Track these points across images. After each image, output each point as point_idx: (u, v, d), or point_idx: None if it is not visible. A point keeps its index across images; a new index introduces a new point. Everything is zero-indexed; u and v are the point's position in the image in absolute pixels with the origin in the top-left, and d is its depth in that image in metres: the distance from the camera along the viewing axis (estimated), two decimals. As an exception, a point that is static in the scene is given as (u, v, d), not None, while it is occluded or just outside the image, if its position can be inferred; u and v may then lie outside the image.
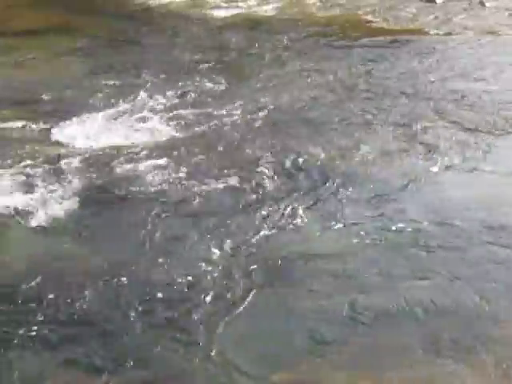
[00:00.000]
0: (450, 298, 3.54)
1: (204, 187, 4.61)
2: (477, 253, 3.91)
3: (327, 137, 5.42)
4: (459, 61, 7.13)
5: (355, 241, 4.03)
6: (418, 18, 8.74)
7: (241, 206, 4.41)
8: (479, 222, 4.19)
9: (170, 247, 3.99)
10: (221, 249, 3.93)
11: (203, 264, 3.81)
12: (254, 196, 4.55)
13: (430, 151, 5.12)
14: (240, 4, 9.47)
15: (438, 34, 8.03)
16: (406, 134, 5.43)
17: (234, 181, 4.71)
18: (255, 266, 3.81)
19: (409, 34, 8.09)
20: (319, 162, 4.96)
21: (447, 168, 4.90)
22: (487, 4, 9.23)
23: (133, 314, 3.43)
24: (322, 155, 5.07)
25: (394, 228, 4.14)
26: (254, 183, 4.69)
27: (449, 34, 8.04)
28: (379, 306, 3.48)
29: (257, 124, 5.59)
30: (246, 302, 3.54)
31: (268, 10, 9.22)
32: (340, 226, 4.20)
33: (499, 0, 9.37)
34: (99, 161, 4.99)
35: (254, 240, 4.03)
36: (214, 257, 3.87)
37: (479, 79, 6.58)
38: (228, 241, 4.01)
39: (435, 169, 4.87)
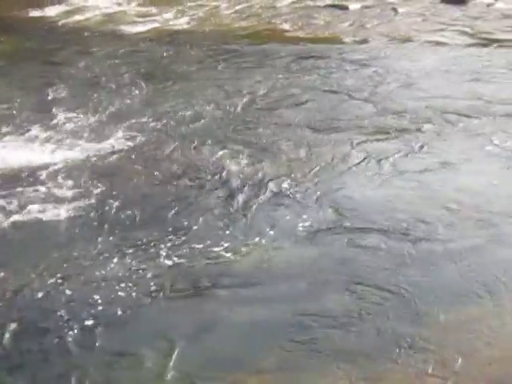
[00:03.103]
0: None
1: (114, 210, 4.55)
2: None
3: (235, 148, 5.41)
4: (375, 67, 7.25)
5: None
6: (332, 26, 8.95)
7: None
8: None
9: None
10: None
11: (139, 278, 3.78)
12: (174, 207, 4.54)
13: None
14: (156, 18, 9.56)
15: (353, 41, 8.18)
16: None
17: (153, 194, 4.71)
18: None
19: (324, 41, 8.25)
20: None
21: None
22: (400, 10, 9.51)
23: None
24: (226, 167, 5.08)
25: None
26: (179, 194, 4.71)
27: (364, 40, 8.20)
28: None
29: (168, 139, 5.59)
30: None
31: (184, 22, 9.36)
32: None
33: (411, 6, 9.70)
34: (15, 181, 4.88)
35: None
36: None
37: (396, 85, 6.68)
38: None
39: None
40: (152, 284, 3.72)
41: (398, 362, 3.10)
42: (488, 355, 3.14)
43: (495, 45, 7.84)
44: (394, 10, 9.55)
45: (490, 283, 3.62)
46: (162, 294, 3.65)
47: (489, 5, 9.61)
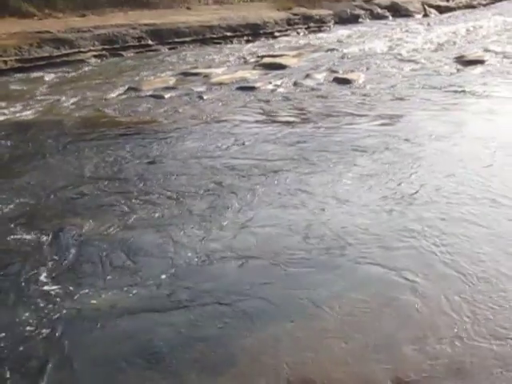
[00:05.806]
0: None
1: None
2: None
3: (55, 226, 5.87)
4: (185, 141, 8.10)
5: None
6: (152, 111, 9.83)
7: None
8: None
9: None
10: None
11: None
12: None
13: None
14: (3, 111, 9.91)
15: (168, 122, 9.04)
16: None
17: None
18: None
19: (145, 123, 9.08)
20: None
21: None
22: (204, 97, 10.61)
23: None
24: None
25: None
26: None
27: (176, 121, 9.10)
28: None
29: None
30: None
31: (31, 114, 9.74)
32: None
33: (214, 93, 10.88)
34: None
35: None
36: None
37: (206, 158, 7.46)
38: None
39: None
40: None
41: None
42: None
43: (281, 121, 8.97)
44: (200, 97, 10.61)
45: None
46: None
47: (272, 90, 11.04)
